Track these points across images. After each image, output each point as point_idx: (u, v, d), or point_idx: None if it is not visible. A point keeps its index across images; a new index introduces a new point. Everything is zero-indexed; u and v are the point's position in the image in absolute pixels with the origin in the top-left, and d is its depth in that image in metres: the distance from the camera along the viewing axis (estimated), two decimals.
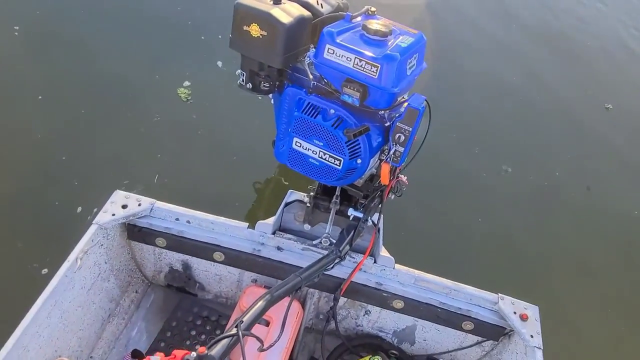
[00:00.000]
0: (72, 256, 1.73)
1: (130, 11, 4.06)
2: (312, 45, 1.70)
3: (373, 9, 1.67)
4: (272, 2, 1.57)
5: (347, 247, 1.74)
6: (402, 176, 1.80)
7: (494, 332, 1.97)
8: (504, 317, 1.89)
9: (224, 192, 3.00)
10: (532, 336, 1.83)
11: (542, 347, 1.81)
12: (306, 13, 1.61)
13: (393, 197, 1.84)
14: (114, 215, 1.85)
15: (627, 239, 3.49)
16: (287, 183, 3.04)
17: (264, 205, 2.97)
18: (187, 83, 3.56)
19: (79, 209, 2.73)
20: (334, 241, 1.85)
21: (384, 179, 1.68)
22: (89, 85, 3.40)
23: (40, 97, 3.23)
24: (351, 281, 1.91)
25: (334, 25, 1.57)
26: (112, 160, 3.03)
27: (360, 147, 1.59)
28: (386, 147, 1.65)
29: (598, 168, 3.95)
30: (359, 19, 1.63)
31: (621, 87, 4.92)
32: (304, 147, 1.66)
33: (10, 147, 2.95)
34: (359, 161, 1.62)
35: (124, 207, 1.88)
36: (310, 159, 1.67)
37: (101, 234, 1.85)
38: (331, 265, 1.71)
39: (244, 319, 1.32)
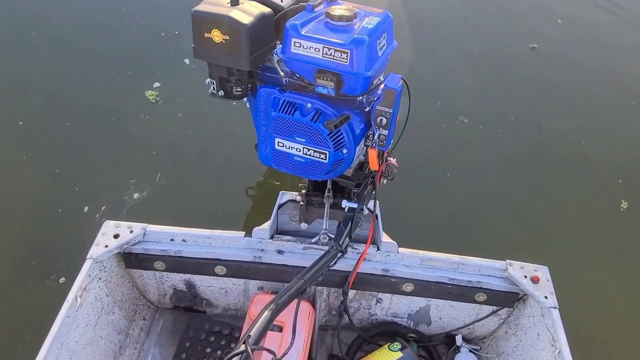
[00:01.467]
0: (70, 295, 1.69)
1: (80, 20, 4.07)
2: (278, 42, 1.66)
3: None
4: (229, 4, 1.52)
5: (347, 239, 1.71)
6: (391, 159, 1.76)
7: (508, 299, 1.96)
8: (516, 282, 1.88)
9: (215, 203, 2.96)
10: (546, 297, 1.83)
11: (557, 306, 1.81)
12: (266, 10, 1.56)
13: (385, 181, 1.81)
14: (107, 246, 1.81)
15: (581, 168, 3.61)
16: (277, 183, 3.01)
17: (259, 211, 2.94)
18: (157, 84, 3.60)
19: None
20: (333, 236, 1.82)
21: (373, 164, 1.64)
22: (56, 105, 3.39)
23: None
24: (357, 272, 1.89)
25: (296, 17, 1.53)
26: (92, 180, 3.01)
27: (343, 137, 1.56)
28: (370, 133, 1.62)
29: (541, 106, 4.04)
30: (321, 7, 1.59)
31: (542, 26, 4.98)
32: (287, 146, 1.62)
33: None
34: (344, 151, 1.59)
35: (116, 236, 1.85)
36: (295, 157, 1.63)
37: (97, 268, 1.81)
38: (334, 261, 1.68)
39: (252, 333, 1.28)
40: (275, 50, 1.64)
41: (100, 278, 1.83)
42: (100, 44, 3.91)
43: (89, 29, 4.04)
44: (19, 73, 3.58)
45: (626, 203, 3.32)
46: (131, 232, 1.87)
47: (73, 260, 2.17)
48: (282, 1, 1.66)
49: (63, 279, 2.52)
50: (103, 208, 2.85)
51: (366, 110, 1.61)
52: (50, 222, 2.78)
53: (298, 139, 1.58)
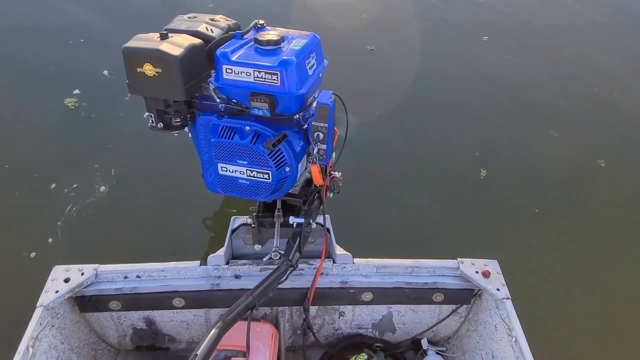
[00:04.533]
0: (21, 346, 1.63)
1: None
2: (212, 71, 1.70)
3: (262, 21, 1.69)
4: (159, 38, 1.56)
5: (297, 254, 1.73)
6: (335, 173, 1.81)
7: (464, 296, 2.01)
8: (469, 279, 1.94)
9: (167, 234, 2.90)
10: (498, 289, 1.89)
11: (509, 297, 1.87)
12: (197, 41, 1.61)
13: (332, 195, 1.86)
14: (57, 292, 1.77)
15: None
16: (234, 211, 3.00)
17: (213, 238, 2.91)
18: (72, 99, 3.66)
19: None
20: (282, 252, 1.84)
21: (317, 179, 1.69)
22: None
23: None
24: (316, 287, 1.90)
25: (226, 45, 1.58)
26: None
27: (284, 155, 1.60)
28: (311, 149, 1.67)
29: None
30: (249, 34, 1.65)
31: None
32: (231, 170, 1.65)
33: None
34: (287, 169, 1.63)
35: (67, 280, 1.81)
36: (240, 180, 1.66)
37: (49, 315, 1.76)
38: (284, 277, 1.69)
39: (198, 352, 1.28)
40: (210, 78, 1.68)
41: (53, 325, 1.78)
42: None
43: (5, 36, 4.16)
44: None
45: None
46: (82, 274, 1.83)
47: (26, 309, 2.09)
48: (212, 32, 1.71)
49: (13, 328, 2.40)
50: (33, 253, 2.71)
51: (304, 127, 1.66)
52: None
53: (240, 161, 1.62)
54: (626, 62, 4.89)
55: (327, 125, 1.57)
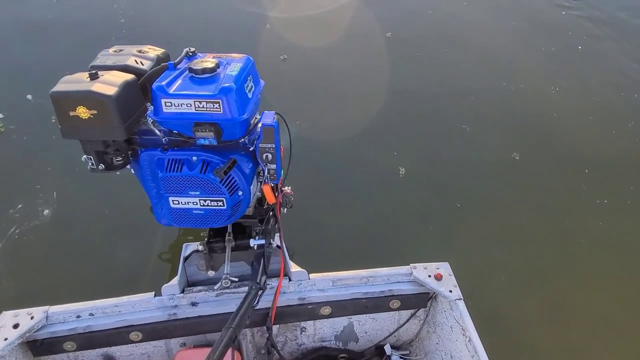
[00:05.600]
0: None
1: None
2: (148, 104, 1.67)
3: (192, 49, 1.68)
4: (89, 79, 1.51)
5: (264, 276, 1.75)
6: (286, 188, 1.84)
7: (420, 300, 2.05)
8: (422, 283, 1.97)
9: (118, 267, 2.79)
10: (450, 291, 1.92)
11: (462, 297, 1.91)
12: (129, 77, 1.57)
13: (285, 210, 1.89)
14: (6, 339, 1.70)
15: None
16: (191, 237, 2.92)
17: (168, 267, 2.83)
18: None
19: None
20: (235, 279, 1.86)
21: (270, 198, 1.72)
22: None
23: None
24: (277, 306, 1.91)
25: (161, 78, 1.56)
26: None
27: (235, 180, 1.61)
28: (260, 169, 1.68)
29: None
30: (182, 63, 1.63)
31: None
32: (183, 202, 1.63)
33: None
34: (240, 193, 1.64)
35: (16, 326, 1.74)
36: (194, 211, 1.65)
37: None
38: (256, 301, 1.71)
39: None
40: (147, 112, 1.65)
41: None
42: None
43: None
44: None
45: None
46: (32, 318, 1.77)
47: None
48: (142, 64, 1.67)
49: None
50: None
51: (251, 149, 1.67)
52: None
53: (192, 192, 1.60)
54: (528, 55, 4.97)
55: (274, 145, 1.60)
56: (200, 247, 1.92)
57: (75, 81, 1.51)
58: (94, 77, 1.51)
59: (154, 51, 1.76)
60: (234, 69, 1.59)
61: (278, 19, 5.16)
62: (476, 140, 3.84)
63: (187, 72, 1.58)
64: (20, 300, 2.41)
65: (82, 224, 3.00)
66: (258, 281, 1.65)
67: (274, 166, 1.64)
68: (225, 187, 1.59)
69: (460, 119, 4.02)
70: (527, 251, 3.04)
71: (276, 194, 1.75)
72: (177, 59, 1.62)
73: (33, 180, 3.22)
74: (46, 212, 3.03)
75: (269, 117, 1.60)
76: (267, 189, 1.68)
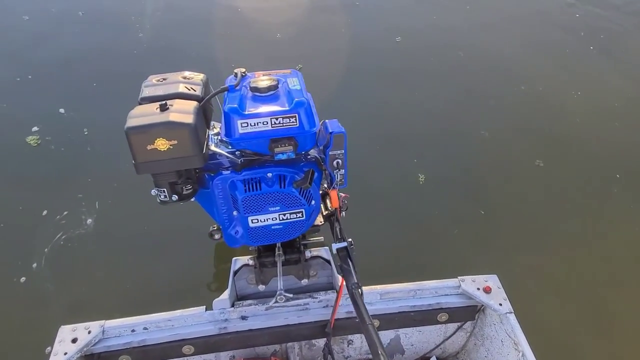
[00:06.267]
0: None
1: None
2: (211, 129, 1.66)
3: (242, 69, 1.70)
4: (159, 110, 1.48)
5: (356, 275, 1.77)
6: (342, 194, 1.91)
7: (468, 313, 2.06)
8: (471, 296, 1.98)
9: (169, 282, 2.78)
10: (500, 304, 1.93)
11: (512, 311, 1.92)
12: (194, 103, 1.56)
13: (344, 214, 1.95)
14: (66, 354, 1.74)
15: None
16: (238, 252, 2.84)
17: (215, 279, 2.82)
18: (34, 137, 3.63)
19: None
20: (290, 295, 1.90)
21: (335, 203, 1.78)
22: None
23: None
24: (321, 320, 1.95)
25: (228, 100, 1.57)
26: None
27: (310, 190, 1.66)
28: (324, 178, 1.74)
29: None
30: (239, 84, 1.65)
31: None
32: (263, 220, 1.65)
33: None
34: (313, 202, 1.69)
35: (74, 340, 1.77)
36: (273, 227, 1.67)
37: None
38: (362, 296, 1.70)
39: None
40: (210, 136, 1.64)
41: None
42: None
43: None
44: None
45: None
46: (89, 332, 1.80)
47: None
48: (194, 90, 1.66)
49: None
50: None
51: (313, 158, 1.72)
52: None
53: (272, 209, 1.63)
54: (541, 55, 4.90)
55: (343, 151, 1.67)
56: (251, 262, 1.93)
57: (147, 114, 1.47)
58: (164, 107, 1.48)
59: (196, 76, 1.75)
60: (295, 84, 1.64)
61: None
62: (496, 147, 3.77)
63: (249, 91, 1.60)
64: (69, 309, 2.63)
65: (123, 237, 3.01)
66: (356, 281, 1.70)
67: (342, 171, 1.70)
68: (304, 197, 1.63)
69: (478, 125, 3.95)
70: (567, 259, 3.00)
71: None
72: (236, 82, 1.63)
73: (75, 189, 3.27)
74: (89, 221, 3.08)
75: (335, 125, 1.66)
76: (334, 195, 1.74)
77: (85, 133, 3.70)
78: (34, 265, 2.83)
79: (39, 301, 2.69)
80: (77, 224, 3.06)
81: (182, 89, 1.64)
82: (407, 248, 3.05)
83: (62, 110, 3.90)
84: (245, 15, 5.18)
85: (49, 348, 2.40)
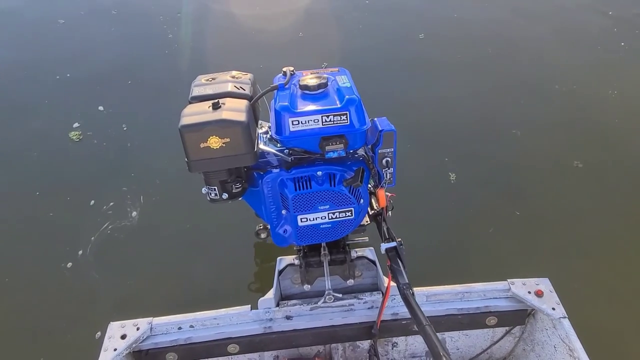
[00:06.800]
0: None
1: None
2: (260, 127, 1.67)
3: (291, 68, 1.70)
4: (212, 108, 1.49)
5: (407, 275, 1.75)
6: (388, 193, 1.88)
7: (518, 317, 1.99)
8: (521, 300, 1.92)
9: (213, 280, 2.81)
10: (553, 309, 1.86)
11: (566, 316, 1.84)
12: (245, 102, 1.56)
13: (390, 213, 1.93)
14: (115, 350, 1.77)
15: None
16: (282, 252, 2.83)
17: (258, 278, 2.82)
18: (76, 132, 3.83)
19: None
20: (339, 295, 1.89)
21: (383, 202, 1.75)
22: None
23: None
24: (365, 322, 1.93)
25: (279, 99, 1.57)
26: None
27: (359, 189, 1.64)
28: (372, 175, 1.72)
29: None
30: (289, 83, 1.64)
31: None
32: (312, 219, 1.63)
33: None
34: (361, 201, 1.67)
35: (123, 337, 1.81)
36: (322, 226, 1.66)
37: None
38: (414, 296, 1.67)
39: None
40: (260, 135, 1.64)
41: None
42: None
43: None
44: None
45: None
46: (137, 329, 1.83)
47: None
48: (243, 89, 1.66)
49: None
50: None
51: (361, 157, 1.70)
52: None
53: (321, 207, 1.62)
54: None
55: (392, 150, 1.64)
56: (296, 262, 1.93)
57: (200, 112, 1.48)
58: (216, 106, 1.49)
59: (243, 75, 1.76)
60: (344, 81, 1.63)
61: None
62: (529, 146, 3.68)
63: (298, 89, 1.60)
64: (113, 300, 2.71)
65: (167, 233, 3.07)
66: (407, 281, 1.67)
67: (391, 170, 1.68)
68: (354, 196, 1.62)
69: (510, 124, 3.87)
70: (617, 262, 2.90)
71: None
72: (285, 80, 1.63)
73: (119, 183, 3.39)
74: (134, 214, 3.18)
75: (385, 123, 1.64)
76: (382, 193, 1.72)
77: (124, 129, 3.87)
78: (80, 252, 2.96)
79: (85, 288, 2.79)
80: (123, 215, 3.17)
81: (231, 88, 1.65)
82: (439, 249, 3.00)
83: (101, 108, 4.08)
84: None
85: (98, 333, 2.53)
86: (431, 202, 3.30)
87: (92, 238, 3.01)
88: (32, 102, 4.16)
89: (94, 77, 4.44)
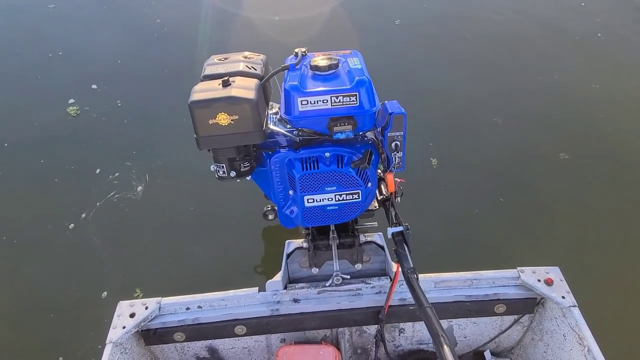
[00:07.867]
0: None
1: None
2: (270, 107, 1.67)
3: (303, 49, 1.69)
4: (221, 86, 1.50)
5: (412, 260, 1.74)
6: (397, 179, 1.87)
7: (527, 306, 1.97)
8: (531, 288, 1.90)
9: (222, 262, 2.86)
10: (563, 297, 1.83)
11: (576, 304, 1.82)
12: (255, 80, 1.57)
13: (399, 199, 1.91)
14: (124, 327, 1.80)
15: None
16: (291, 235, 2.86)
17: (267, 261, 2.86)
18: (73, 107, 3.93)
19: None
20: (347, 277, 1.89)
21: (391, 187, 1.74)
22: None
23: None
24: (372, 307, 1.92)
25: (289, 78, 1.57)
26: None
27: (367, 171, 1.63)
28: (381, 160, 1.71)
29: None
30: (300, 63, 1.64)
31: None
32: (318, 200, 1.64)
33: None
34: (369, 184, 1.66)
35: (132, 315, 1.83)
36: (328, 208, 1.66)
37: (118, 352, 1.77)
38: (418, 281, 1.65)
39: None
40: (269, 115, 1.65)
41: None
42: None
43: None
44: None
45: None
46: (146, 308, 1.85)
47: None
48: (255, 69, 1.67)
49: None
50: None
51: (370, 140, 1.70)
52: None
53: (328, 189, 1.61)
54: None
55: (402, 133, 1.63)
56: (304, 245, 1.93)
57: (210, 89, 1.49)
58: (226, 83, 1.50)
59: (256, 56, 1.76)
60: (355, 63, 1.63)
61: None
62: (512, 136, 3.71)
63: (309, 70, 1.60)
64: (121, 275, 2.75)
65: (171, 213, 3.13)
66: (412, 266, 1.66)
67: (400, 154, 1.67)
68: (361, 178, 1.61)
69: (491, 112, 3.91)
70: (618, 252, 2.90)
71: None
72: (296, 61, 1.63)
73: (122, 156, 3.49)
74: (139, 188, 3.26)
75: (395, 106, 1.63)
76: (390, 178, 1.70)
77: (119, 104, 3.99)
78: (83, 215, 3.09)
79: (85, 248, 2.91)
80: (128, 187, 3.26)
81: (242, 67, 1.66)
82: (443, 238, 3.02)
83: (94, 86, 4.19)
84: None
85: (105, 293, 2.63)
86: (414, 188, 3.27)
87: (98, 204, 3.13)
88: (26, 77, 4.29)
89: (86, 56, 4.57)
